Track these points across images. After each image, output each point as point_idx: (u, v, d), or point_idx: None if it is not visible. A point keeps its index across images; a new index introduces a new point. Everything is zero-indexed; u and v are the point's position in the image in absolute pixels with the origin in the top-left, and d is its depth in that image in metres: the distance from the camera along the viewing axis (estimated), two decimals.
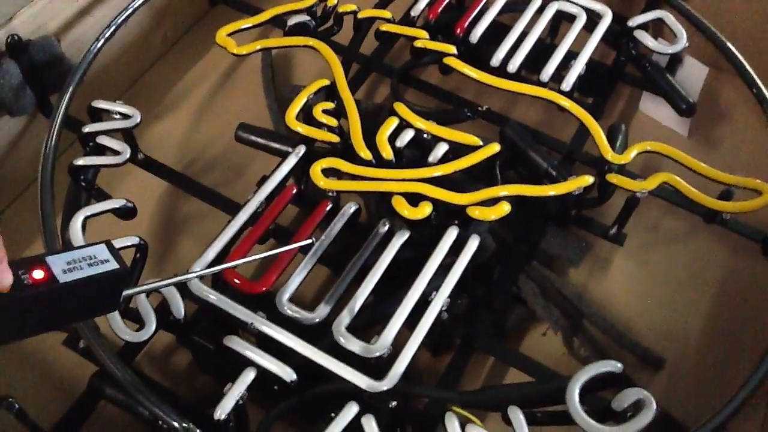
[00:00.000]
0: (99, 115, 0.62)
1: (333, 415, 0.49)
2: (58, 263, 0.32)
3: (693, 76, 0.69)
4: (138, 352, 0.54)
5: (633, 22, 0.69)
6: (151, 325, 0.49)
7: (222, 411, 0.46)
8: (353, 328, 0.50)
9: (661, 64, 0.69)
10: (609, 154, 0.59)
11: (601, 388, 0.48)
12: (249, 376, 0.47)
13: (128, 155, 0.59)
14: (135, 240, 0.53)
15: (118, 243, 0.53)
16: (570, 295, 0.60)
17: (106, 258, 0.33)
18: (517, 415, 0.46)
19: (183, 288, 0.52)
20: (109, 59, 0.73)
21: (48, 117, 0.68)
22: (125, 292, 0.34)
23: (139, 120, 0.60)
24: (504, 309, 0.59)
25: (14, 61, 0.63)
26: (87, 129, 0.59)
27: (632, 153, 0.59)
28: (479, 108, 0.67)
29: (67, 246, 0.34)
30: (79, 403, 0.52)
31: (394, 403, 0.49)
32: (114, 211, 0.56)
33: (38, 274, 0.31)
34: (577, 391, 0.46)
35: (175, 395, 0.52)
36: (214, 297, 0.51)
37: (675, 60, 0.68)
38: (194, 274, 0.42)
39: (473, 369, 0.59)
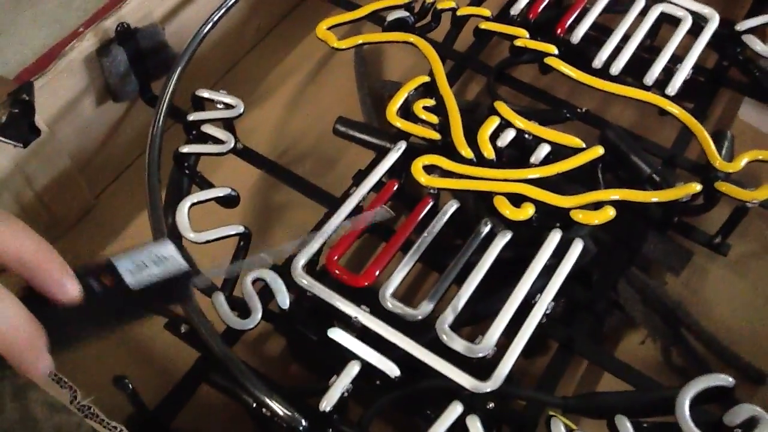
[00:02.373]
0: (201, 103, 0.63)
1: (430, 412, 0.50)
2: (124, 265, 0.31)
3: None
4: (237, 339, 0.55)
5: (741, 26, 0.67)
6: (258, 313, 0.50)
7: (328, 403, 0.46)
8: (453, 327, 0.50)
9: None
10: (717, 162, 0.58)
11: (706, 402, 0.47)
12: (354, 369, 0.47)
13: (232, 144, 0.59)
14: (240, 229, 0.54)
15: (222, 231, 0.54)
16: (670, 303, 0.59)
17: (171, 255, 0.32)
18: (624, 424, 0.45)
19: (285, 276, 0.52)
20: (204, 49, 0.74)
21: (148, 103, 0.70)
22: (196, 280, 0.34)
23: (242, 110, 0.61)
24: (603, 314, 0.58)
25: (122, 48, 0.65)
26: (192, 117, 0.61)
27: (743, 161, 0.57)
28: (578, 109, 0.66)
29: (156, 236, 0.33)
30: (181, 386, 0.53)
31: (491, 405, 0.49)
32: (218, 199, 0.57)
33: (107, 279, 0.31)
34: (687, 403, 0.45)
35: (275, 384, 0.53)
36: (320, 289, 0.51)
37: None
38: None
39: (566, 373, 0.58)
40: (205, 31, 0.66)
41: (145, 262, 0.32)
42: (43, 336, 0.29)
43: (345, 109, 0.71)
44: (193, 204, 0.55)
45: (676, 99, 0.63)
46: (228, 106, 0.61)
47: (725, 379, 0.46)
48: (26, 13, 0.65)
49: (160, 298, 0.33)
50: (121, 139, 0.72)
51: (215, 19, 0.66)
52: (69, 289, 0.30)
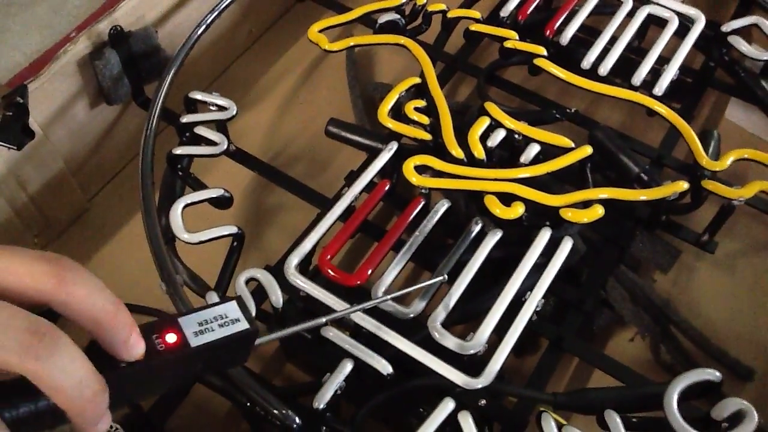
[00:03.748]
0: (194, 105, 0.64)
1: (422, 410, 0.50)
2: (189, 325, 0.31)
3: None
4: None
5: (727, 27, 0.68)
6: (252, 313, 0.50)
7: (321, 401, 0.47)
8: (445, 325, 0.51)
9: (755, 70, 0.68)
10: (704, 160, 0.58)
11: (694, 397, 0.48)
12: (347, 367, 0.48)
13: (225, 146, 0.60)
14: (234, 229, 0.55)
15: (215, 232, 0.55)
16: (658, 301, 0.60)
17: (236, 317, 0.32)
18: (614, 419, 0.46)
19: (278, 276, 0.53)
20: (196, 52, 0.75)
21: (141, 106, 0.70)
22: (258, 341, 0.33)
23: (235, 112, 0.62)
24: (592, 312, 0.58)
25: (115, 51, 0.65)
26: (185, 119, 0.61)
27: (729, 160, 0.58)
28: (567, 110, 0.67)
29: (194, 307, 0.32)
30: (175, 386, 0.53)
31: (483, 402, 0.50)
32: (211, 200, 0.57)
33: (171, 338, 0.30)
34: (675, 398, 0.45)
35: (269, 383, 0.53)
36: (312, 288, 0.51)
37: None
38: (344, 311, 0.40)
39: (557, 371, 0.59)
40: (198, 33, 0.66)
41: (209, 322, 0.31)
42: (106, 393, 0.29)
43: (337, 111, 0.71)
44: (187, 205, 0.55)
45: (663, 99, 0.64)
46: (221, 108, 0.62)
47: (712, 374, 0.47)
48: (17, 18, 0.66)
49: (221, 358, 0.33)
50: (114, 142, 0.72)
51: (208, 21, 0.67)
52: (136, 349, 0.30)
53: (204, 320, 0.31)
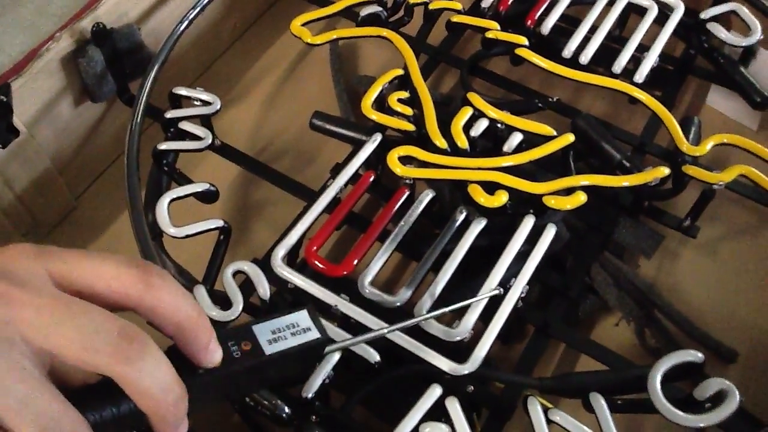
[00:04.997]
0: (179, 101, 0.64)
1: (410, 398, 0.51)
2: (263, 333, 0.32)
3: (767, 69, 0.69)
4: None
5: (706, 14, 0.69)
6: (239, 305, 0.50)
7: (309, 390, 0.47)
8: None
9: (734, 57, 0.69)
10: (684, 146, 0.59)
11: (678, 378, 0.48)
12: (334, 356, 0.48)
13: (210, 141, 0.60)
14: (220, 223, 0.55)
15: (202, 225, 0.55)
16: (642, 286, 0.61)
17: (308, 326, 0.33)
18: (599, 402, 0.47)
19: (266, 269, 0.53)
20: (180, 48, 0.75)
21: (126, 103, 0.70)
22: (327, 349, 0.34)
23: (219, 107, 0.62)
24: (577, 298, 0.59)
25: (98, 48, 0.65)
26: (169, 115, 0.61)
27: (709, 145, 0.59)
28: (550, 99, 0.68)
29: (268, 314, 0.33)
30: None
31: (471, 388, 0.50)
32: (197, 195, 0.57)
33: (246, 345, 0.31)
34: (659, 379, 0.46)
35: None
36: (299, 280, 0.52)
37: (748, 53, 0.68)
38: (388, 329, 0.41)
39: (543, 357, 0.59)
40: (181, 29, 0.66)
41: (282, 330, 0.32)
42: (186, 399, 0.29)
43: (322, 105, 0.71)
44: (173, 200, 0.56)
45: (645, 87, 0.65)
46: (205, 103, 0.62)
47: (695, 355, 0.47)
48: (1, 19, 0.66)
49: (292, 367, 0.34)
50: (100, 139, 0.72)
51: (191, 17, 0.67)
52: (214, 355, 0.30)
53: (277, 329, 0.32)
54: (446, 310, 0.44)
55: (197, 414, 0.30)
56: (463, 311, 0.50)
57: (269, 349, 0.31)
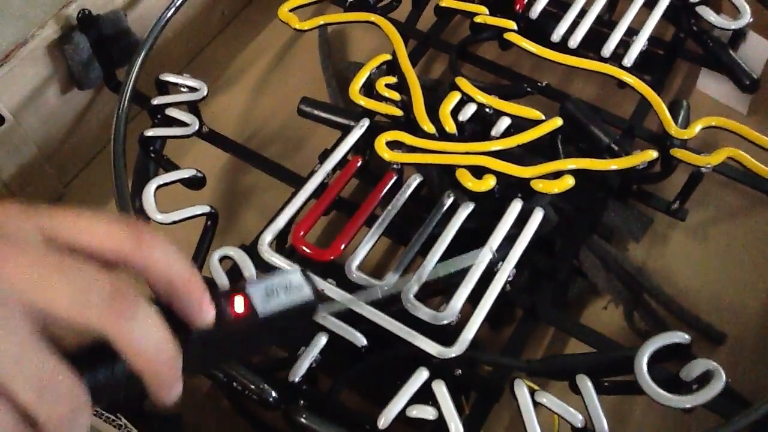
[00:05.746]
0: (166, 88, 0.63)
1: (399, 382, 0.51)
2: (257, 293, 0.31)
3: (756, 52, 0.69)
4: None
5: None
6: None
7: (296, 374, 0.47)
8: (418, 297, 0.51)
9: (723, 40, 0.69)
10: (673, 129, 0.59)
11: (665, 360, 0.48)
12: (321, 340, 0.48)
13: (197, 127, 0.60)
14: (206, 209, 0.55)
15: (188, 212, 0.55)
16: (631, 269, 0.61)
17: (299, 284, 0.32)
18: (585, 383, 0.47)
19: (253, 255, 0.53)
20: (169, 34, 0.74)
21: (113, 91, 0.70)
22: (321, 311, 0.34)
23: (206, 93, 0.62)
24: (565, 281, 0.59)
25: (84, 35, 0.65)
26: (156, 101, 0.61)
27: (696, 128, 0.59)
28: (539, 83, 0.68)
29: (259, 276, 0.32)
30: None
31: (459, 371, 0.50)
32: (183, 181, 0.57)
33: (239, 306, 0.30)
34: (645, 361, 0.46)
35: (245, 359, 0.54)
36: (286, 265, 0.52)
37: (738, 36, 0.68)
38: (380, 289, 0.42)
39: (532, 340, 0.59)
40: (168, 15, 0.66)
41: (276, 289, 0.31)
42: (180, 359, 0.28)
43: (311, 91, 0.71)
44: (159, 186, 0.55)
45: (635, 71, 0.64)
46: (192, 90, 0.62)
47: (682, 336, 0.47)
48: None
49: (286, 328, 0.33)
50: (87, 127, 0.72)
51: (177, 3, 0.67)
52: (207, 315, 0.30)
53: (270, 288, 0.31)
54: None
55: (192, 377, 0.29)
56: (450, 296, 0.50)
57: (263, 309, 0.31)
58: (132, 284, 0.27)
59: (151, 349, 0.27)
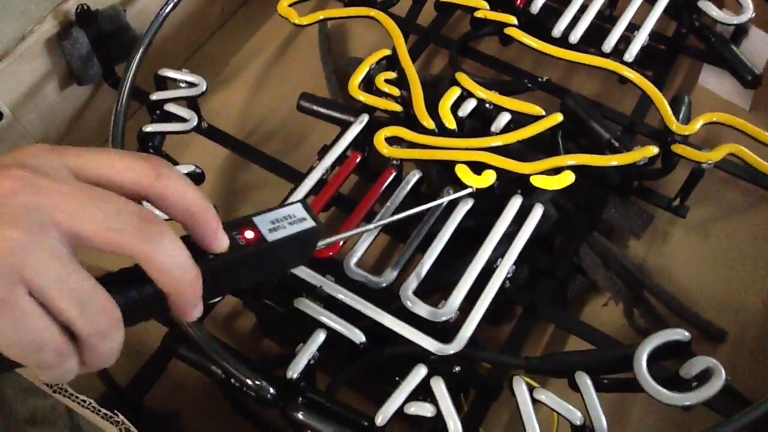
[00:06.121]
0: (165, 83, 0.63)
1: (397, 378, 0.51)
2: (264, 223, 0.34)
3: (758, 47, 0.68)
4: (206, 315, 0.56)
5: None
6: None
7: (294, 370, 0.47)
8: (417, 294, 0.51)
9: (725, 36, 0.68)
10: (674, 125, 0.59)
11: (665, 358, 0.48)
12: (320, 337, 0.48)
13: (196, 122, 0.60)
14: None
15: None
16: (631, 267, 0.60)
17: (303, 216, 0.35)
18: (584, 381, 0.47)
19: None
20: (168, 30, 0.74)
21: (112, 86, 0.70)
22: (319, 243, 0.37)
23: (204, 88, 0.61)
24: (565, 278, 0.59)
25: (83, 31, 0.64)
26: (155, 97, 0.61)
27: (698, 124, 0.59)
28: (539, 79, 0.67)
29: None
30: (152, 362, 0.54)
31: (458, 368, 0.50)
32: None
33: (249, 234, 0.33)
34: (644, 358, 0.46)
35: (244, 356, 0.54)
36: None
37: (740, 31, 0.67)
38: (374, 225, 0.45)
39: (532, 338, 0.59)
40: (166, 11, 0.66)
41: (280, 221, 0.34)
42: (201, 281, 0.31)
43: (311, 87, 0.71)
44: None
45: (636, 67, 0.64)
46: (191, 85, 0.62)
47: (681, 334, 0.47)
48: None
49: (292, 254, 0.36)
50: (87, 123, 0.72)
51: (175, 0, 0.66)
52: (222, 241, 0.32)
53: (275, 219, 0.34)
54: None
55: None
56: (449, 293, 0.50)
57: (271, 237, 0.33)
58: (155, 213, 0.30)
59: (176, 270, 0.30)
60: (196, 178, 0.57)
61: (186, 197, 0.31)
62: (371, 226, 0.44)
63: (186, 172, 0.56)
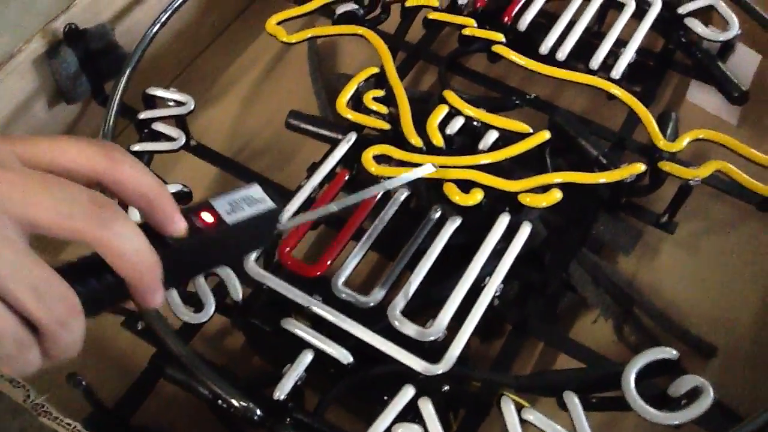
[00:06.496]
0: (153, 102, 0.63)
1: (386, 398, 0.50)
2: (222, 206, 0.33)
3: (745, 64, 0.69)
4: (194, 335, 0.55)
5: (683, 9, 0.68)
6: (210, 307, 0.50)
7: (281, 391, 0.47)
8: (405, 313, 0.51)
9: (712, 52, 0.69)
10: (660, 142, 0.59)
11: (655, 375, 0.48)
12: (307, 357, 0.48)
13: (183, 141, 0.60)
14: None
15: None
16: (620, 283, 0.60)
17: (261, 197, 0.35)
18: (572, 400, 0.46)
19: (239, 271, 0.52)
20: (158, 48, 0.74)
21: (102, 104, 0.70)
22: (278, 227, 0.36)
23: (193, 107, 0.62)
24: (555, 295, 0.59)
25: (71, 49, 0.64)
26: (142, 116, 0.61)
27: (685, 141, 0.59)
28: (527, 96, 0.67)
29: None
30: (139, 383, 0.53)
31: (446, 387, 0.50)
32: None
33: (207, 217, 0.33)
34: (633, 377, 0.46)
35: (232, 375, 0.53)
36: (272, 281, 0.51)
37: (726, 47, 0.68)
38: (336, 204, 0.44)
39: (522, 355, 0.59)
40: (154, 31, 0.66)
41: (239, 202, 0.34)
42: (160, 266, 0.31)
43: (301, 104, 0.71)
44: None
45: (625, 83, 0.64)
46: (179, 104, 0.62)
47: (669, 352, 0.47)
48: None
49: (252, 236, 0.36)
50: None
51: (163, 19, 0.67)
52: (180, 224, 0.32)
53: (233, 201, 0.34)
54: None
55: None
56: (436, 312, 0.50)
57: (230, 219, 0.33)
58: (110, 199, 0.30)
59: (134, 255, 0.29)
60: (184, 197, 0.57)
61: (141, 182, 0.31)
62: (333, 205, 0.43)
63: (173, 191, 0.56)
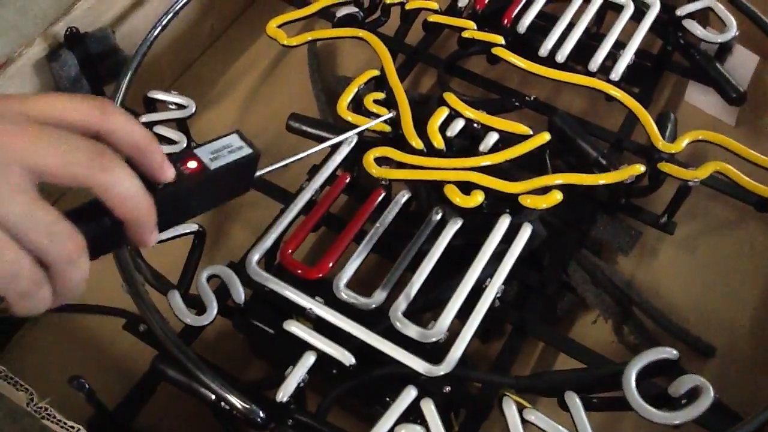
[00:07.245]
0: (154, 105, 0.63)
1: (388, 399, 0.51)
2: (205, 153, 0.36)
3: (743, 65, 0.69)
4: (196, 337, 0.56)
5: (681, 11, 0.69)
6: (213, 309, 0.50)
7: (284, 393, 0.47)
8: (407, 314, 0.51)
9: (710, 53, 0.69)
10: (660, 143, 0.59)
11: (655, 375, 0.48)
12: (310, 359, 0.48)
13: (185, 144, 0.60)
14: (194, 227, 0.55)
15: (177, 230, 0.55)
16: (620, 283, 0.61)
17: (240, 145, 0.37)
18: (574, 400, 0.47)
19: (241, 273, 0.53)
20: (157, 51, 0.75)
21: None
22: (257, 173, 0.40)
23: (194, 110, 0.62)
24: (555, 296, 0.59)
25: (72, 53, 0.65)
26: (143, 119, 0.61)
27: (684, 142, 0.59)
28: (527, 98, 0.68)
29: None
30: (141, 385, 0.54)
31: (448, 389, 0.50)
32: None
33: (192, 164, 0.35)
34: (633, 377, 0.46)
35: (233, 378, 0.53)
36: (273, 283, 0.52)
37: (724, 49, 0.68)
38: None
39: (522, 355, 0.59)
40: (154, 34, 0.66)
41: (220, 150, 0.36)
42: (154, 209, 0.33)
43: (300, 106, 0.71)
44: None
45: (624, 84, 0.65)
46: (180, 107, 0.62)
47: (669, 352, 0.47)
48: None
49: (234, 181, 0.38)
50: None
51: (164, 22, 0.67)
52: (168, 171, 0.34)
53: (215, 149, 0.36)
54: None
55: None
56: (438, 313, 0.50)
57: (213, 165, 0.35)
58: (108, 147, 0.32)
59: (131, 198, 0.32)
60: None
61: (132, 132, 0.33)
62: (302, 154, 0.47)
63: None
